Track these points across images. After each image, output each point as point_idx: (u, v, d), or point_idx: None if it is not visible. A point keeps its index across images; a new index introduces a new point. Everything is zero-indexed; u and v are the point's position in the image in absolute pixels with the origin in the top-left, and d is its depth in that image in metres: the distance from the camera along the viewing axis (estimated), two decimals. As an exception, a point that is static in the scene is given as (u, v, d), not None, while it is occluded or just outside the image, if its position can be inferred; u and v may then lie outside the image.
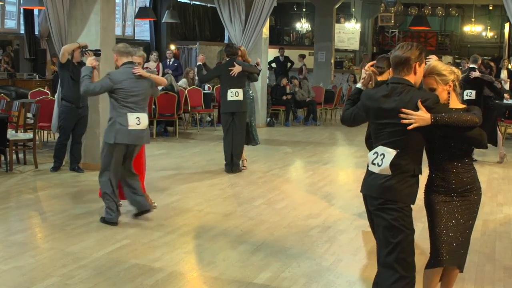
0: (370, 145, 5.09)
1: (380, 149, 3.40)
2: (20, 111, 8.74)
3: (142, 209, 6.01)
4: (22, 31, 15.57)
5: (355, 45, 23.93)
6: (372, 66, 3.91)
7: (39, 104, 8.80)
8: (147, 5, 19.14)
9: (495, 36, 26.93)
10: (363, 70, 3.86)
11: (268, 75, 15.65)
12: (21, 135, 8.54)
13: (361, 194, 3.65)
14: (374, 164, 3.41)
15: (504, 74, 14.04)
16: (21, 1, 14.51)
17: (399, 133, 3.33)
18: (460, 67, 17.36)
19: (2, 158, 8.23)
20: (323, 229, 5.89)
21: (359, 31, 23.80)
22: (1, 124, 8.01)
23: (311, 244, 5.43)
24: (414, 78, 3.40)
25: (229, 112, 8.33)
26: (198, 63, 8.72)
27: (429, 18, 22.04)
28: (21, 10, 15.21)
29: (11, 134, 8.34)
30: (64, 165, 8.37)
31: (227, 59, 8.48)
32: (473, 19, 24.46)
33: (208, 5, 21.60)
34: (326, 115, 15.95)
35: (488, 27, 26.31)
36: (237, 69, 8.21)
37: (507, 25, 22.82)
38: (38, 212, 6.29)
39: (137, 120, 5.74)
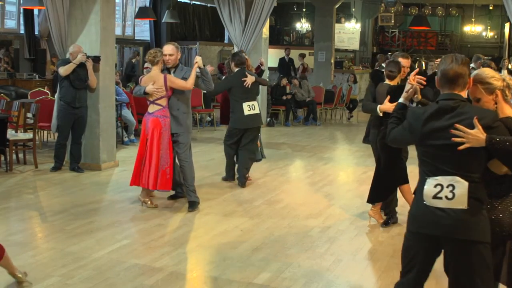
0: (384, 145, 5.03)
1: (444, 179, 2.96)
2: (20, 111, 8.74)
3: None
4: (22, 31, 15.56)
5: (355, 45, 23.93)
6: (416, 75, 3.50)
7: (39, 104, 8.80)
8: (147, 5, 19.14)
9: (495, 36, 26.93)
10: (407, 83, 3.45)
11: (268, 75, 15.64)
12: (21, 135, 8.54)
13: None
14: (440, 198, 2.96)
15: (504, 74, 14.02)
16: (21, 1, 14.50)
17: (461, 155, 2.93)
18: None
19: (2, 158, 8.23)
20: (323, 229, 5.88)
21: (359, 31, 23.80)
22: (1, 124, 8.01)
23: (311, 244, 5.43)
24: (465, 92, 3.07)
25: (244, 128, 7.59)
26: None
27: (429, 18, 22.05)
28: (21, 10, 15.20)
29: (11, 134, 8.34)
30: (64, 165, 8.37)
31: (236, 69, 7.64)
32: (473, 19, 24.47)
33: (208, 5, 21.60)
34: (326, 115, 15.95)
35: (488, 27, 26.32)
36: (250, 79, 7.59)
37: (507, 25, 22.82)
38: (38, 212, 6.29)
39: None
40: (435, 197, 2.97)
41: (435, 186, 2.97)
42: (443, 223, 2.95)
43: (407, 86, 3.40)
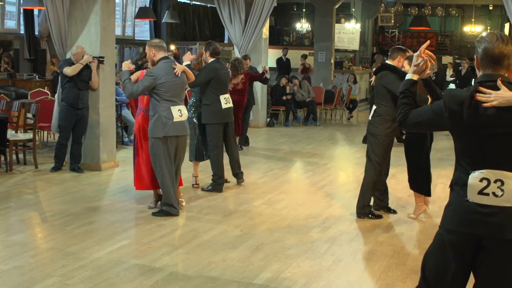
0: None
1: (491, 173, 2.65)
2: (20, 111, 8.74)
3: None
4: (22, 31, 15.56)
5: (355, 45, 23.94)
6: (426, 49, 3.05)
7: (39, 104, 8.80)
8: (147, 5, 19.14)
9: (495, 36, 26.94)
10: (414, 55, 3.04)
11: (269, 76, 15.65)
12: (21, 135, 8.54)
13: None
14: (487, 194, 2.65)
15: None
16: (21, 1, 14.51)
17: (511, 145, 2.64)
18: (460, 68, 17.40)
19: (2, 158, 8.23)
20: (323, 229, 5.88)
21: (359, 31, 23.81)
22: (1, 124, 8.01)
23: (311, 244, 5.43)
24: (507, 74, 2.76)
25: (224, 122, 7.34)
26: (187, 63, 6.77)
27: (429, 18, 22.04)
28: (21, 10, 15.20)
29: (11, 134, 8.34)
30: (64, 165, 8.37)
31: (211, 59, 7.21)
32: (473, 19, 24.48)
33: (208, 5, 21.61)
34: (326, 115, 15.96)
35: (488, 27, 26.31)
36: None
37: (507, 25, 22.81)
38: (38, 212, 6.29)
39: (179, 112, 6.05)
40: (480, 192, 2.66)
41: (481, 180, 2.66)
42: (489, 222, 2.65)
43: (417, 60, 3.01)
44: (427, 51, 3.03)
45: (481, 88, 2.65)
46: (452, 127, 2.77)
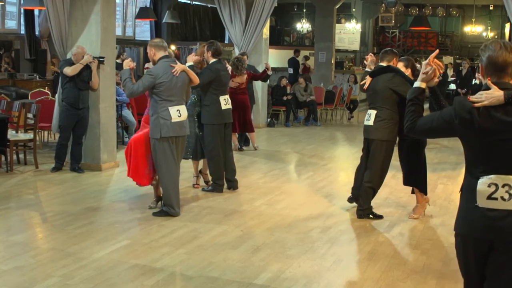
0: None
1: (499, 178, 2.73)
2: (20, 111, 8.74)
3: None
4: (22, 32, 15.57)
5: (356, 46, 23.94)
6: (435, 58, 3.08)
7: (39, 104, 8.80)
8: (148, 5, 19.14)
9: (496, 37, 26.90)
10: (423, 63, 3.07)
11: (270, 72, 15.68)
12: (22, 136, 8.54)
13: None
14: (495, 199, 2.72)
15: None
16: (22, 2, 14.51)
17: None
18: (460, 68, 17.41)
19: (3, 158, 8.23)
20: (324, 230, 5.88)
21: (360, 32, 23.81)
22: (2, 125, 8.02)
23: (311, 244, 5.43)
24: None
25: (223, 123, 7.22)
26: (190, 64, 6.64)
27: (430, 18, 22.03)
28: (22, 11, 15.21)
29: (11, 134, 8.34)
30: (64, 165, 8.37)
31: (213, 59, 7.10)
32: (473, 20, 24.49)
33: (209, 5, 21.61)
34: (326, 115, 15.96)
35: (489, 28, 26.33)
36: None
37: (507, 25, 22.83)
38: (38, 213, 6.29)
39: (178, 113, 5.99)
40: (489, 197, 2.74)
41: (489, 185, 2.74)
42: (498, 226, 2.73)
43: (426, 68, 3.04)
44: (436, 60, 3.07)
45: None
46: (462, 134, 2.82)
